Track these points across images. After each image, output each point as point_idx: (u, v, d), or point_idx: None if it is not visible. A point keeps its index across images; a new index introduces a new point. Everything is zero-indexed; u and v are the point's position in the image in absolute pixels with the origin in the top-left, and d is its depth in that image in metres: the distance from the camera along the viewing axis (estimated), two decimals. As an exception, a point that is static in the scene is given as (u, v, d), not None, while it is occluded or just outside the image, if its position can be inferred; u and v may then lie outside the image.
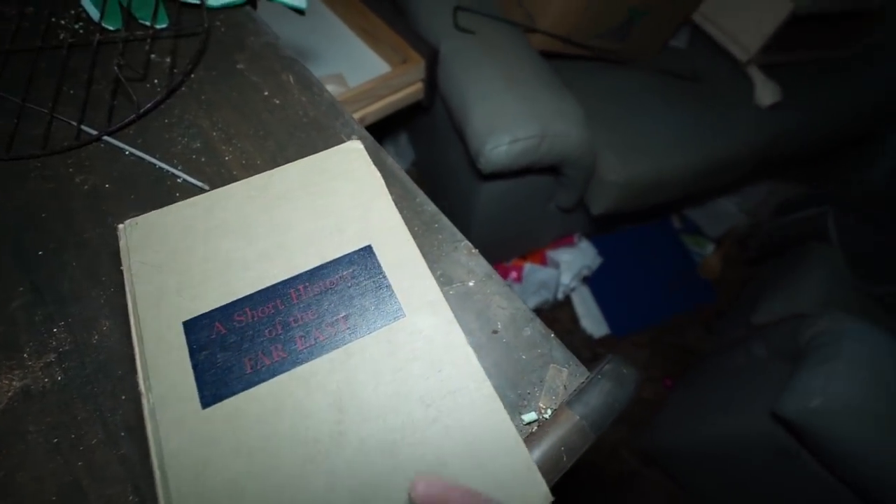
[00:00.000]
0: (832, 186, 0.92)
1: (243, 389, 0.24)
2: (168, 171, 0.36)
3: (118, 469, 0.26)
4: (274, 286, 0.26)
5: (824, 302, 0.74)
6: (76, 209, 0.34)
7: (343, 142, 0.40)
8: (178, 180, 0.35)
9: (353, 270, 0.27)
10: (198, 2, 0.45)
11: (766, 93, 1.00)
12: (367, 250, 0.28)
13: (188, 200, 0.29)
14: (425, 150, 1.21)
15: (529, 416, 0.28)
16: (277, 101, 0.40)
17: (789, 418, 0.56)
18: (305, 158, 0.31)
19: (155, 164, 0.36)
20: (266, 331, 0.25)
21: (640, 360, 1.09)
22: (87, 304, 0.30)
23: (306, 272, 0.27)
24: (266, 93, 0.41)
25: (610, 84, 0.98)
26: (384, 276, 0.27)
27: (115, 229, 0.33)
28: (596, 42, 0.96)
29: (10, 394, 0.27)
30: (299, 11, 0.52)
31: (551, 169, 0.81)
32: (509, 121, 0.69)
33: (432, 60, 0.80)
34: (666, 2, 0.93)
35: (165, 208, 0.29)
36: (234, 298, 0.26)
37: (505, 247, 1.10)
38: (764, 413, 0.64)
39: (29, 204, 0.34)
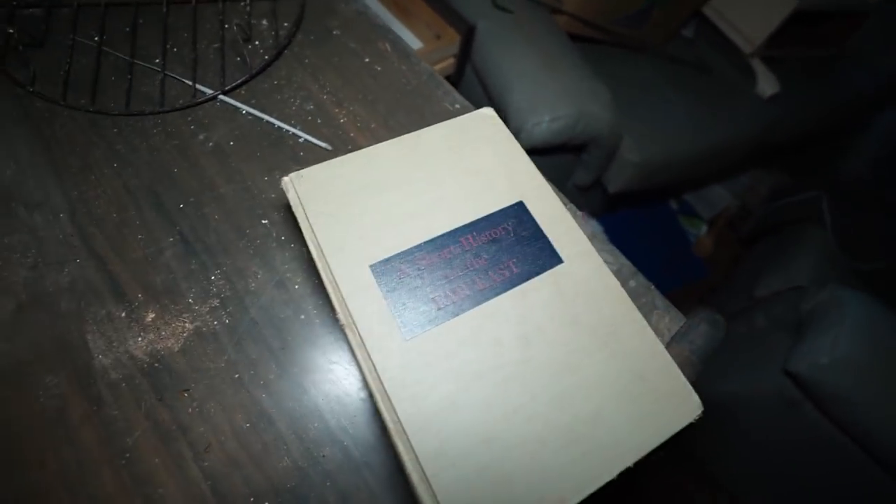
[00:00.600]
0: (822, 173, 1.01)
1: (437, 323, 0.27)
2: (288, 131, 0.37)
3: (300, 398, 0.28)
4: (444, 235, 0.29)
5: (819, 277, 0.82)
6: (205, 165, 0.35)
7: (447, 110, 0.42)
8: (300, 140, 0.37)
9: (512, 223, 0.30)
10: (286, -35, 0.46)
11: (766, 84, 1.07)
12: (520, 206, 0.31)
13: (343, 157, 0.31)
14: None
15: (648, 355, 0.32)
16: (379, 69, 0.42)
17: (800, 374, 0.64)
18: (443, 123, 0.34)
19: (274, 124, 0.37)
20: (446, 273, 0.28)
21: (642, 330, 1.16)
22: (237, 255, 0.32)
23: (470, 223, 0.30)
24: (366, 59, 0.42)
25: (626, 68, 1.03)
26: (539, 227, 0.30)
27: (250, 185, 0.35)
28: (616, 27, 1.00)
29: (185, 335, 0.29)
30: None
31: (577, 148, 0.85)
32: (550, 100, 0.72)
33: (468, 37, 0.81)
34: (682, -10, 0.97)
35: (324, 163, 0.31)
36: (411, 246, 0.29)
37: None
38: (769, 373, 0.72)
39: (159, 160, 0.35)
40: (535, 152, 0.80)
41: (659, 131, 0.94)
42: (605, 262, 0.37)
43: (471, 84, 0.89)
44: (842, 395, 0.62)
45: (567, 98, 0.73)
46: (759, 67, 1.08)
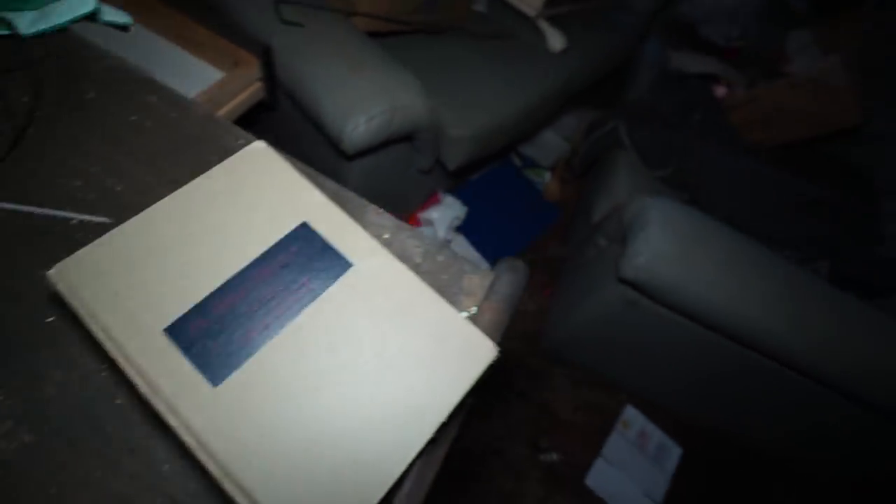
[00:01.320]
0: (617, 103, 1.18)
1: (244, 360, 0.28)
2: (58, 217, 0.35)
3: (135, 483, 0.28)
4: (236, 276, 0.30)
5: (632, 190, 0.97)
6: (-38, 279, 0.32)
7: (233, 148, 0.42)
8: (73, 222, 0.35)
9: (299, 244, 0.32)
10: (7, 32, 0.42)
11: (555, 41, 1.21)
12: (304, 226, 0.33)
13: (116, 230, 0.31)
14: (278, 147, 1.21)
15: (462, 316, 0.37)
16: (149, 124, 0.41)
17: (628, 277, 0.76)
18: (216, 167, 0.35)
19: (34, 213, 0.35)
20: (244, 311, 0.29)
21: (521, 281, 1.28)
22: (22, 366, 0.30)
23: (259, 257, 0.31)
24: (133, 117, 0.41)
25: (434, 52, 1.09)
26: (325, 241, 0.33)
27: (21, 289, 0.32)
28: (414, 17, 1.06)
29: (-17, 468, 0.27)
30: (124, 28, 0.50)
31: (406, 138, 0.89)
32: (361, 101, 0.75)
33: (267, 58, 0.80)
34: (459, -28, 1.05)
35: (94, 244, 0.30)
36: (204, 296, 0.29)
37: (383, 220, 1.17)
38: (612, 283, 0.85)
39: None
40: (363, 154, 0.83)
41: (478, 103, 1.02)
42: (414, 245, 0.41)
43: (288, 103, 0.88)
44: (662, 283, 0.76)
45: (377, 96, 0.77)
46: (545, 27, 1.22)
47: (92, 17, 0.46)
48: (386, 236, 0.40)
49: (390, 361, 0.29)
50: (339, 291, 0.31)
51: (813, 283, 0.84)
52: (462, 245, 1.27)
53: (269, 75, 0.83)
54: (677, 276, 0.76)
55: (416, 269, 0.39)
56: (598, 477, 1.07)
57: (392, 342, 0.30)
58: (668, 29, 1.41)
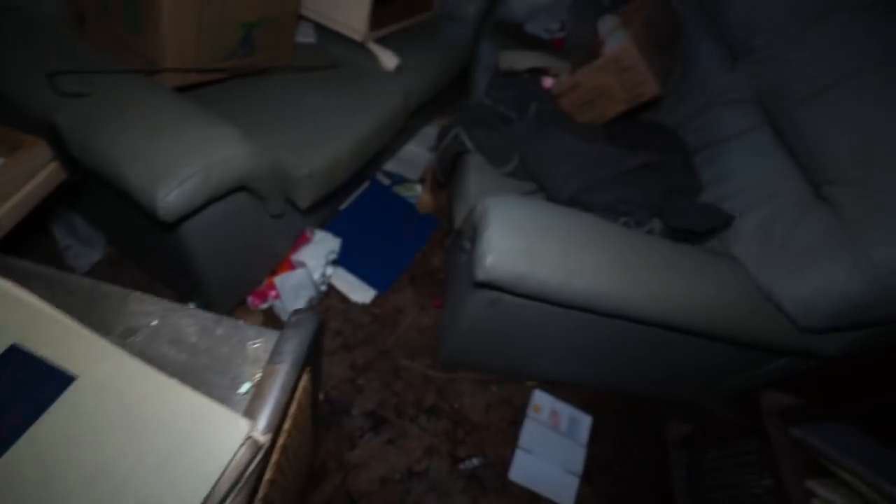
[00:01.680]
0: (458, 110, 1.23)
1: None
2: None
3: None
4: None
5: (483, 191, 1.02)
6: None
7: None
8: None
9: (5, 372, 0.29)
10: None
11: (387, 60, 1.23)
12: (13, 349, 0.30)
13: None
14: (113, 225, 1.11)
15: (245, 387, 0.36)
16: None
17: (481, 279, 0.79)
18: None
19: None
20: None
21: (409, 297, 1.29)
22: None
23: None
24: None
25: (263, 95, 1.06)
26: (40, 359, 0.30)
27: None
28: (229, 63, 1.02)
29: None
30: None
31: (241, 189, 0.86)
32: (168, 165, 0.70)
33: (52, 136, 0.73)
34: (268, 10, 1.03)
35: None
36: None
37: (250, 274, 1.12)
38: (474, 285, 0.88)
39: None
40: (194, 213, 0.78)
41: (316, 138, 1.01)
42: (187, 325, 0.39)
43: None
44: (512, 278, 0.80)
45: (186, 156, 0.73)
46: (375, 49, 1.24)
47: None
48: (154, 323, 0.37)
49: (124, 474, 0.27)
50: (57, 413, 0.28)
51: (647, 242, 0.93)
52: (344, 278, 1.25)
53: (63, 154, 0.76)
54: (524, 268, 0.80)
55: (192, 348, 0.37)
56: (521, 468, 1.10)
57: (124, 452, 0.27)
58: (497, 31, 1.50)
